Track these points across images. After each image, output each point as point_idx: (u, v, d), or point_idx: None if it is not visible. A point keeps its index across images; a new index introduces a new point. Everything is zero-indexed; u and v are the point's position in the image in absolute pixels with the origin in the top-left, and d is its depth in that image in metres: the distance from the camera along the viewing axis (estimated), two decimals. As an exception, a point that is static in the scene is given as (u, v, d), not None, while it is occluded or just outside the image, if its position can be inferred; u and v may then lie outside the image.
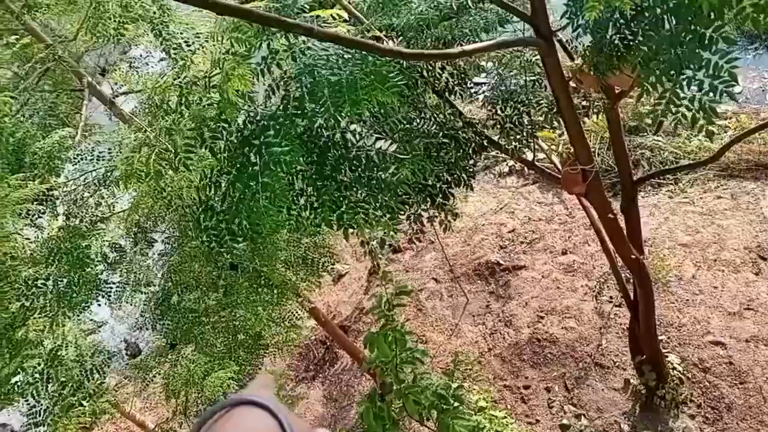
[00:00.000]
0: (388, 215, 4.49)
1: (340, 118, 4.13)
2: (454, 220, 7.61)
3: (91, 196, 5.61)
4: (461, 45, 4.57)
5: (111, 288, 5.64)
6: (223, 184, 4.44)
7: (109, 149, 4.94)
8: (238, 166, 3.98)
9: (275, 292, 6.04)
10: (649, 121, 10.44)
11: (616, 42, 3.83)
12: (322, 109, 3.83)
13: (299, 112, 3.95)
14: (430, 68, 5.32)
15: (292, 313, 7.35)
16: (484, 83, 5.92)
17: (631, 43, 3.73)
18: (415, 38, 4.59)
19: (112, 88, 7.25)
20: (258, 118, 4.02)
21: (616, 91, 5.38)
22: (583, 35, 4.32)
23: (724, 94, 3.08)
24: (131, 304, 6.25)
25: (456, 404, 5.41)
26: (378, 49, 3.45)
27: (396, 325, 5.35)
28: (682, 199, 9.92)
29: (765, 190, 9.34)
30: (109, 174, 5.07)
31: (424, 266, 11.21)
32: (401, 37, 4.59)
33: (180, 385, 5.48)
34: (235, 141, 4.04)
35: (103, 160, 4.95)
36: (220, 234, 4.37)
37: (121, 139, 4.72)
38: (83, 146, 5.38)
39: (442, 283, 10.84)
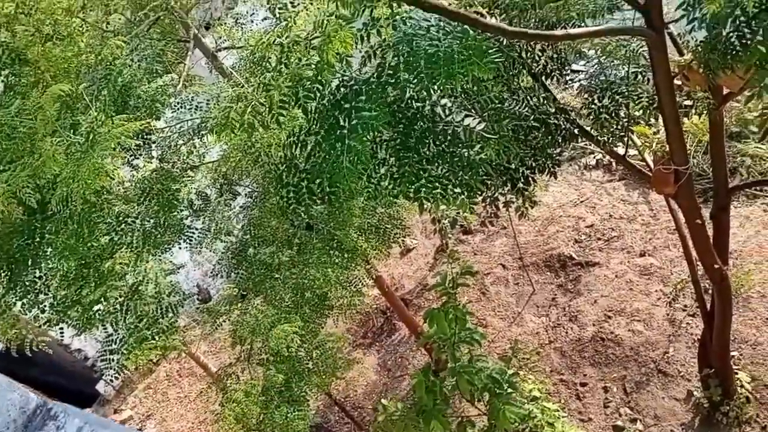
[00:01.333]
0: (466, 193, 4.48)
1: (432, 91, 4.14)
2: (531, 207, 7.47)
3: (184, 144, 5.88)
4: (566, 28, 4.44)
5: (193, 233, 5.92)
6: (309, 144, 4.56)
7: (207, 101, 5.14)
8: (327, 127, 4.05)
9: (346, 256, 6.17)
10: (755, 128, 9.83)
11: (733, 39, 3.62)
12: (416, 80, 3.84)
13: (393, 80, 3.97)
14: (530, 49, 5.20)
15: (359, 279, 7.48)
16: (583, 71, 5.73)
17: (750, 42, 3.52)
18: (518, 17, 4.50)
19: (215, 42, 7.50)
20: (352, 82, 4.07)
21: (724, 93, 5.10)
22: (697, 30, 4.09)
23: None
24: (210, 251, 6.53)
25: (509, 390, 5.41)
26: (480, 24, 3.41)
27: (457, 304, 5.38)
28: (778, 214, 9.34)
29: None
30: (203, 124, 5.29)
31: (493, 251, 11.10)
32: (504, 15, 4.51)
33: (247, 333, 5.73)
34: (327, 103, 4.11)
35: (200, 110, 5.16)
36: (300, 192, 4.50)
37: (219, 92, 4.89)
38: (183, 95, 5.62)
39: (510, 270, 10.72)
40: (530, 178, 5.30)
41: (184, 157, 5.98)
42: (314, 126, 4.29)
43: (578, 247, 10.41)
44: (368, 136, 3.81)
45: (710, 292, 7.32)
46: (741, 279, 8.52)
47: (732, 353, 7.63)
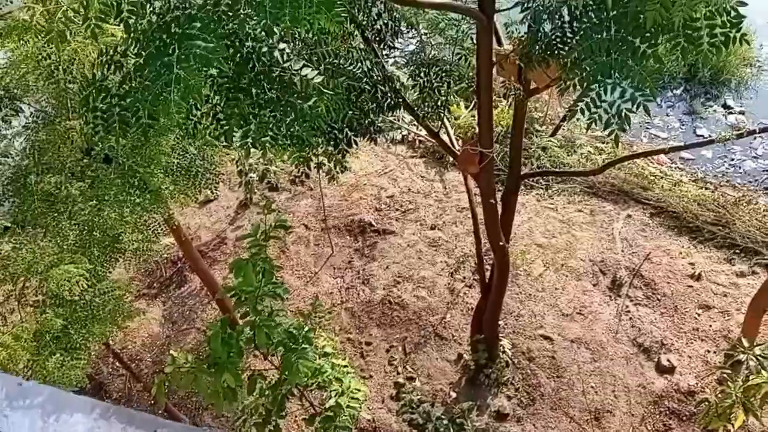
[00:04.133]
0: (296, 146, 4.38)
1: (273, 32, 3.94)
2: (342, 172, 7.60)
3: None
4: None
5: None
6: (125, 67, 4.07)
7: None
8: (153, 52, 3.63)
9: (148, 197, 5.67)
10: (538, 127, 11.08)
11: (554, 37, 3.98)
12: (258, 17, 3.61)
13: (231, 13, 3.69)
14: (367, 11, 5.21)
15: (158, 224, 6.96)
16: (412, 44, 5.92)
17: (569, 41, 3.90)
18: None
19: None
20: (185, 5, 3.70)
21: (531, 87, 5.63)
22: (522, 24, 4.44)
23: (640, 107, 3.34)
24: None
25: (304, 345, 5.48)
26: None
27: (266, 257, 5.28)
28: (547, 205, 10.69)
29: (620, 213, 10.34)
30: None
31: (297, 210, 11.11)
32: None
33: (21, 271, 4.99)
34: (155, 24, 3.69)
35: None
36: (110, 119, 4.02)
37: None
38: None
39: (312, 231, 10.84)
40: (354, 141, 5.35)
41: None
42: (135, 47, 3.84)
43: (378, 215, 10.88)
44: (200, 68, 3.50)
45: (489, 266, 8.17)
46: (516, 257, 9.61)
47: (499, 323, 8.61)
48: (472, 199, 7.81)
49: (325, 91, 4.07)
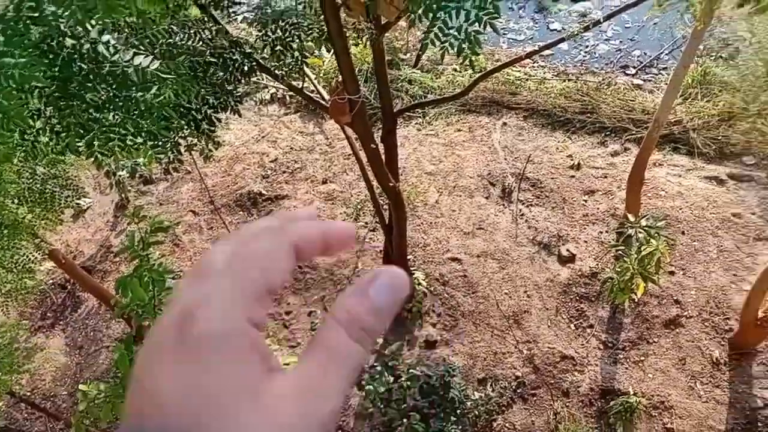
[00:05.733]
0: (149, 142, 4.04)
1: (89, 26, 3.52)
2: (216, 149, 7.21)
3: None
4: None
5: None
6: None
7: None
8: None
9: (5, 233, 5.12)
10: (403, 56, 11.02)
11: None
12: (67, 14, 3.21)
13: (36, 15, 3.25)
14: (193, -22, 4.81)
15: (27, 256, 6.35)
16: (243, 2, 5.54)
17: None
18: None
19: None
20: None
21: (383, 22, 5.49)
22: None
23: (488, 26, 3.31)
24: None
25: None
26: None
27: (152, 264, 4.94)
28: (428, 132, 10.79)
29: (496, 124, 10.63)
30: None
31: (180, 198, 10.56)
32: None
33: None
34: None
35: None
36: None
37: None
38: None
39: (201, 215, 10.37)
40: (214, 118, 5.03)
41: None
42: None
43: (266, 182, 10.55)
44: (16, 87, 3.08)
45: (386, 207, 8.19)
46: (409, 193, 9.69)
47: (408, 257, 8.73)
48: (354, 146, 7.70)
49: (166, 76, 3.74)
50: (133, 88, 3.73)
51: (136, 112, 3.79)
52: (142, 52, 3.76)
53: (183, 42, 4.36)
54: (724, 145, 9.79)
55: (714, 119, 10.02)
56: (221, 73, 4.75)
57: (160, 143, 4.04)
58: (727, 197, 9.33)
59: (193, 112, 5.04)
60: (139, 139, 3.86)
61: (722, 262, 8.67)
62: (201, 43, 4.58)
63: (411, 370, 7.48)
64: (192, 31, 4.54)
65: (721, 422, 7.50)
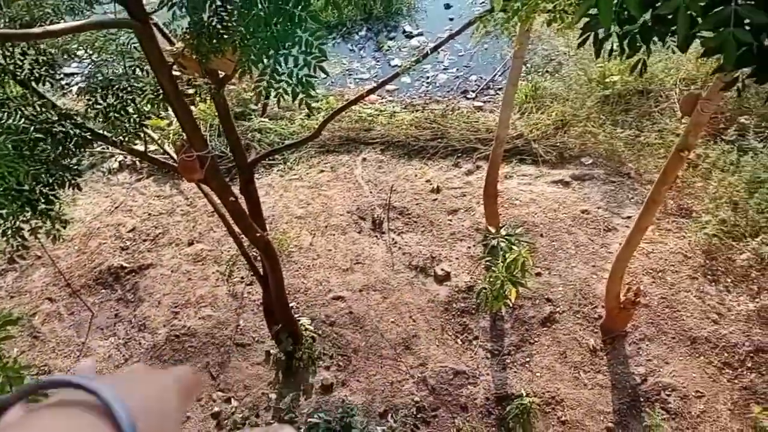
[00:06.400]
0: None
1: None
2: (64, 227, 6.72)
3: None
4: (43, 26, 3.98)
5: None
6: None
7: None
8: None
9: None
10: (254, 106, 11.01)
11: (214, 24, 3.85)
12: None
13: None
14: (9, 53, 4.51)
15: None
16: (78, 73, 5.31)
17: (228, 24, 3.80)
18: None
19: None
20: None
21: (220, 76, 5.46)
22: (180, 18, 4.21)
23: (317, 69, 3.40)
24: None
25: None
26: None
27: (6, 362, 4.53)
28: (292, 176, 10.80)
29: (356, 160, 10.86)
30: None
31: (33, 287, 9.69)
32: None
33: None
34: None
35: None
36: None
37: None
38: None
39: (59, 301, 9.57)
40: (51, 197, 4.70)
41: None
42: None
43: (126, 254, 9.98)
44: None
45: (259, 258, 8.02)
46: (280, 239, 9.60)
47: (291, 304, 8.59)
48: (213, 203, 7.50)
49: (-16, 159, 3.45)
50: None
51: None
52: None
53: (2, 121, 4.06)
54: (563, 150, 10.70)
55: (550, 128, 10.94)
56: (51, 149, 4.47)
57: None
58: (574, 197, 10.15)
59: (26, 193, 4.68)
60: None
61: (581, 257, 9.37)
62: (23, 120, 4.29)
63: (309, 420, 7.31)
64: (12, 109, 4.25)
65: (608, 405, 7.99)
